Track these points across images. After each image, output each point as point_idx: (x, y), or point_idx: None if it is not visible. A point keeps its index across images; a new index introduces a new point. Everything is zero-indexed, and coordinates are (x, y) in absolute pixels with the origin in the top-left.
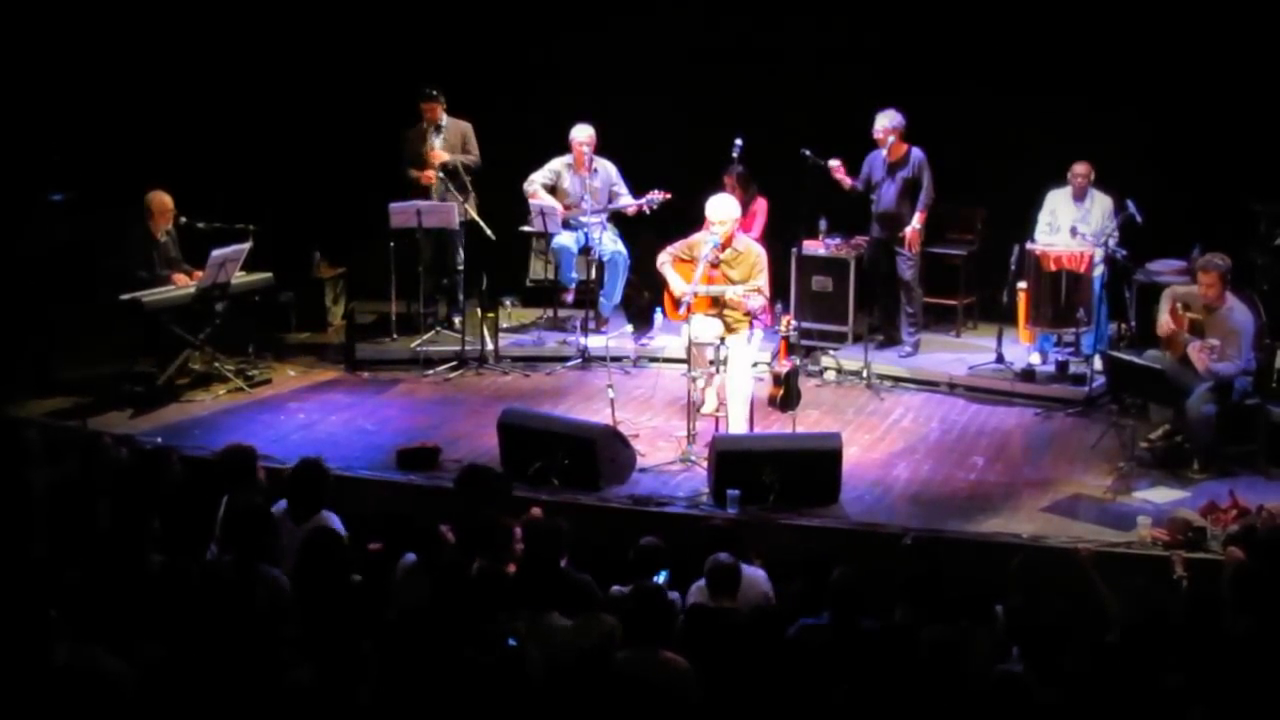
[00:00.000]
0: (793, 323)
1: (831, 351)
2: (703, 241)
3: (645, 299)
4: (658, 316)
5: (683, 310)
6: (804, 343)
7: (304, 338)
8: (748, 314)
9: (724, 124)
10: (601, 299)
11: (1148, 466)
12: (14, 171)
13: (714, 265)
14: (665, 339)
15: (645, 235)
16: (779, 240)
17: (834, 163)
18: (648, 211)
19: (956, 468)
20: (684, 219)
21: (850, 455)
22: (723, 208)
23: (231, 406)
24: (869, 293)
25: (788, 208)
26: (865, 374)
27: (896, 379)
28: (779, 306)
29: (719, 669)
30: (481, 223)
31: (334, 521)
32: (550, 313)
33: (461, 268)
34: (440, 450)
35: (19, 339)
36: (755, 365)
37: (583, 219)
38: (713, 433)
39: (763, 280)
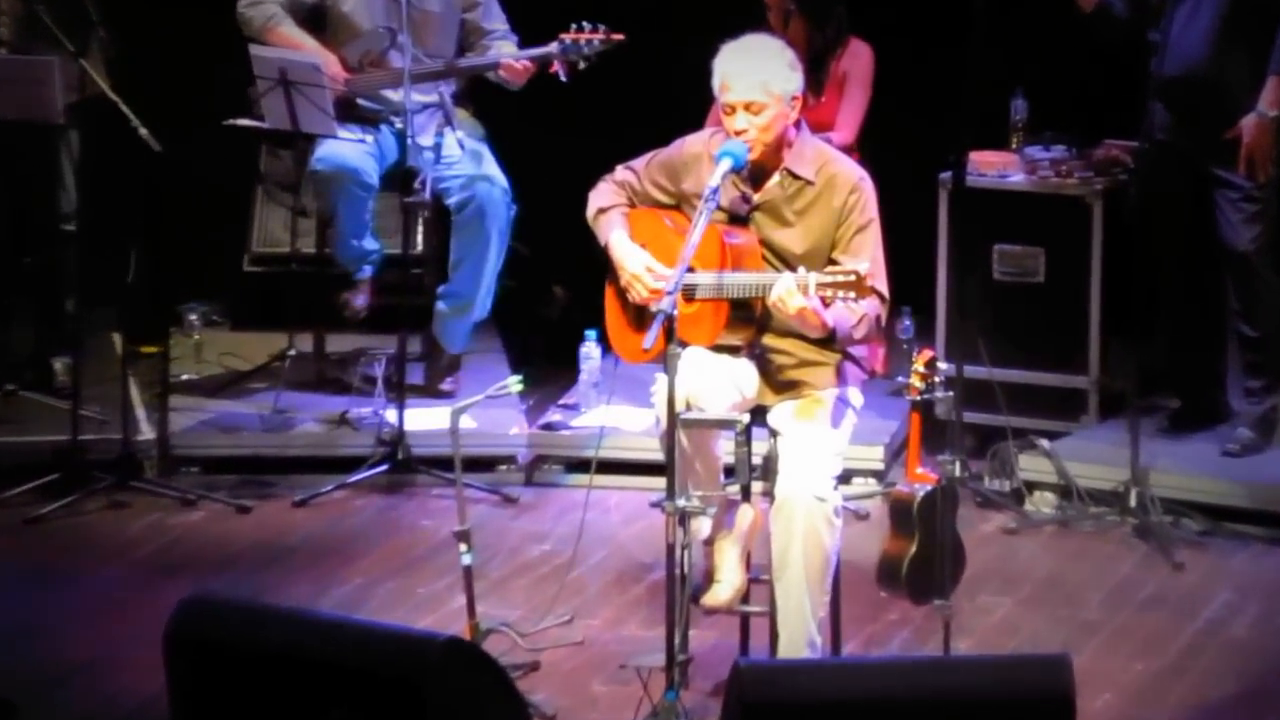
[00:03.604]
0: (941, 366)
1: (1043, 443)
2: (706, 157)
3: (558, 303)
4: (588, 351)
5: (652, 340)
6: (970, 418)
7: None
8: (832, 345)
9: None
10: (441, 307)
11: None
12: None
13: (737, 220)
14: (612, 411)
15: (559, 140)
16: (902, 150)
17: None
18: (564, 78)
19: None
20: (659, 105)
21: (1095, 714)
22: (759, 68)
23: None
24: (1140, 287)
25: (921, 66)
26: (1131, 499)
27: (1216, 513)
28: (904, 323)
29: None
30: (132, 116)
31: None
32: (309, 343)
33: (73, 226)
34: (15, 708)
35: None
36: (844, 482)
37: (391, 97)
38: (735, 659)
39: (867, 258)
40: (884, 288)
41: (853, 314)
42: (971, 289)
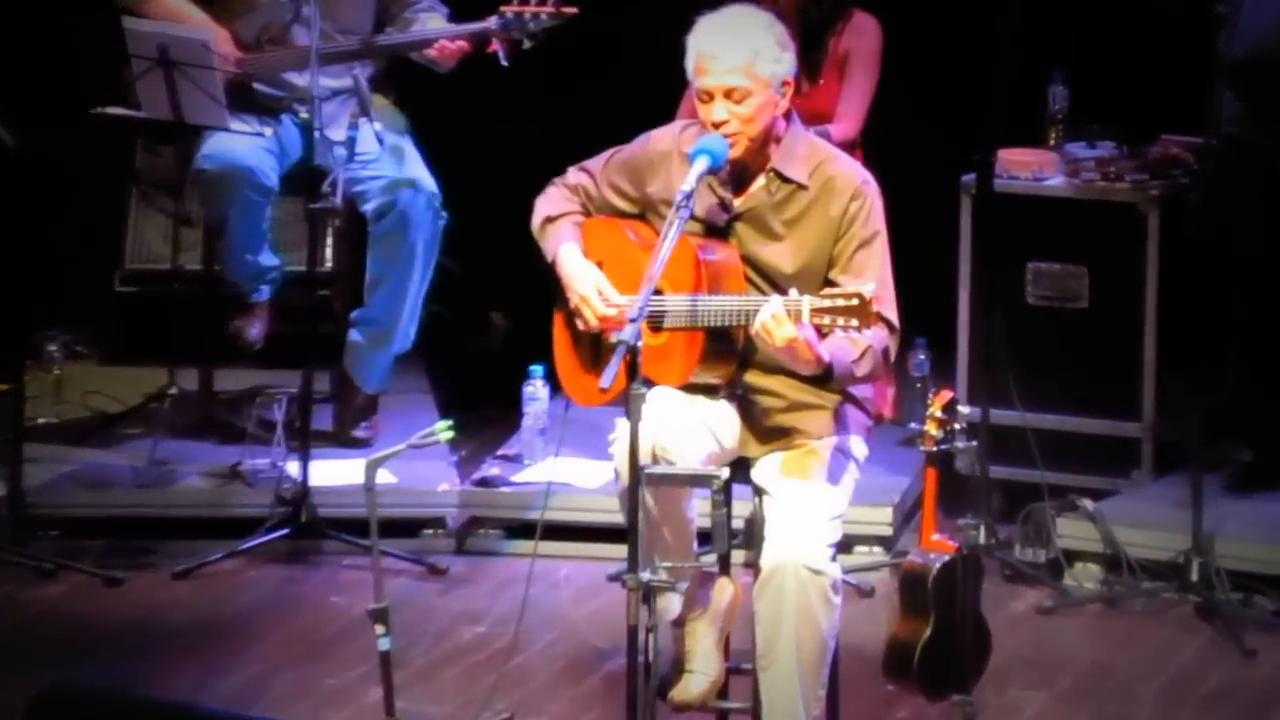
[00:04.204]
0: (962, 410)
1: (1086, 503)
2: (677, 156)
3: (497, 333)
4: (534, 391)
5: (611, 378)
6: (997, 473)
7: None
8: (829, 385)
9: None
10: (354, 337)
11: None
12: None
13: (714, 232)
14: (561, 465)
15: (499, 135)
16: (916, 147)
17: None
18: (505, 60)
19: None
20: (621, 92)
21: None
22: (742, 47)
23: None
24: (1204, 315)
25: (938, 45)
26: (1193, 572)
27: None
28: (918, 357)
29: None
30: None
31: None
32: (194, 380)
33: None
34: None
35: None
36: (844, 551)
37: (295, 81)
38: None
39: (872, 278)
40: (893, 315)
41: (854, 346)
42: (1000, 316)
